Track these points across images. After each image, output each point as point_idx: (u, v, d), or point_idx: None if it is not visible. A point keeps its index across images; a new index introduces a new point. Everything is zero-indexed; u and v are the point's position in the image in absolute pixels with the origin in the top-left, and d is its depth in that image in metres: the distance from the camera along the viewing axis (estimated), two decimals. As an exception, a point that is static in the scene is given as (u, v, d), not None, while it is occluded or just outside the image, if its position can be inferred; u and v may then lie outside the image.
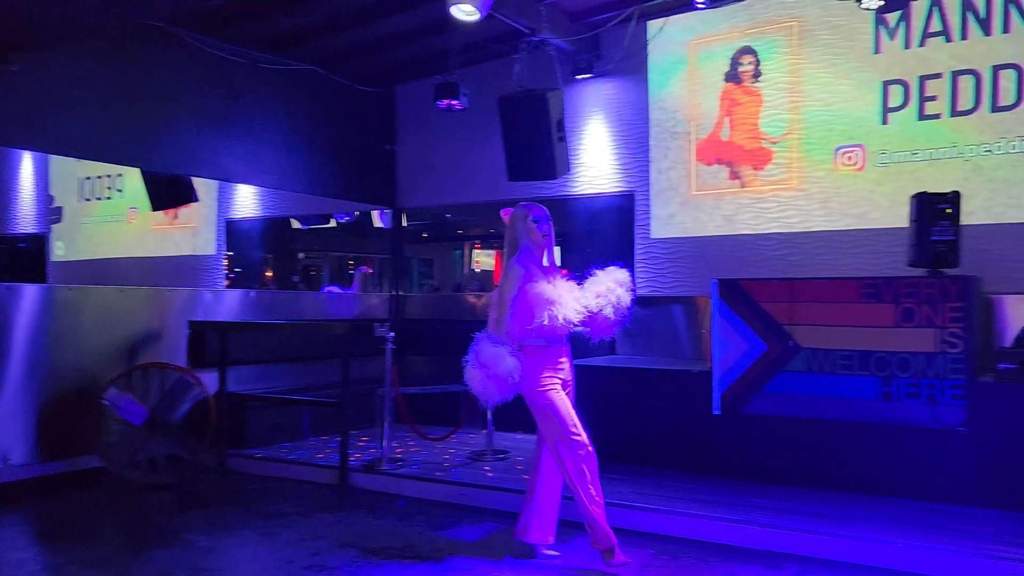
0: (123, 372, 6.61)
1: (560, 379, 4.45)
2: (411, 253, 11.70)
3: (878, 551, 4.44)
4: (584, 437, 4.33)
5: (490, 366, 4.22)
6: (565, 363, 4.52)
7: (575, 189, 8.26)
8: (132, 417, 6.34)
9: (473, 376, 4.29)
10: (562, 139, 7.34)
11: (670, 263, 7.75)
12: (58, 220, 12.39)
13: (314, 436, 7.62)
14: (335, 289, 11.57)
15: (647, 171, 7.87)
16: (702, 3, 6.95)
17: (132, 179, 10.81)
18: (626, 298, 4.47)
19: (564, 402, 4.40)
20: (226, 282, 10.55)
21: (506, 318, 4.36)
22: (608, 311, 4.40)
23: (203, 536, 5.05)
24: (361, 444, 7.20)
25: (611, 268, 4.57)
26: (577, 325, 4.38)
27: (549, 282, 4.37)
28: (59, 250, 12.40)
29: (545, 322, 4.26)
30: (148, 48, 6.96)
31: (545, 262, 4.55)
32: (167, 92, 7.13)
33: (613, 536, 4.28)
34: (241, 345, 7.33)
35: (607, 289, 4.45)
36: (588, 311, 4.40)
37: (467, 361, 4.33)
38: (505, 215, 4.65)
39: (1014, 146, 6.25)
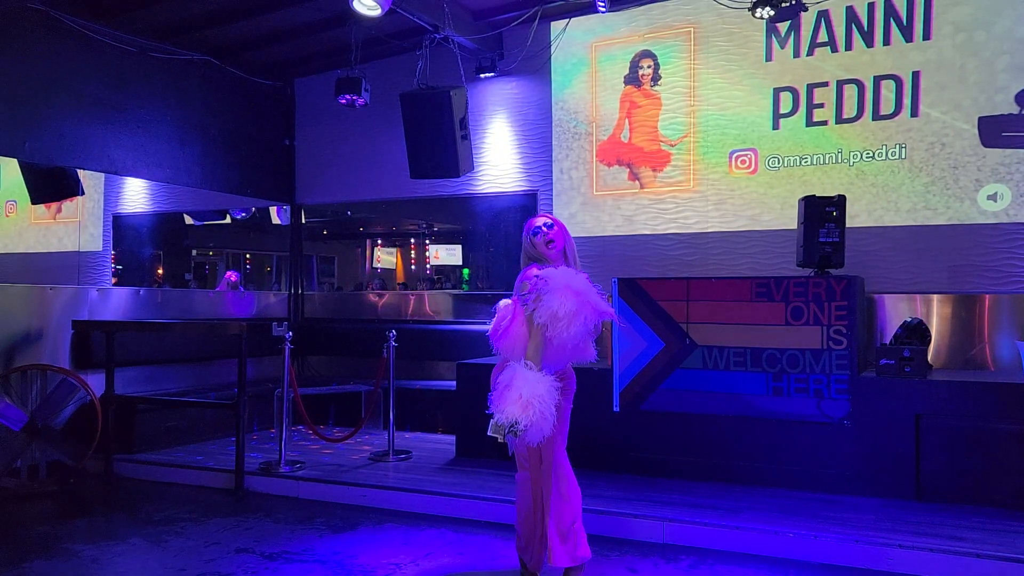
0: (0, 375, 6.27)
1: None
2: (311, 251, 11.45)
3: (768, 541, 4.62)
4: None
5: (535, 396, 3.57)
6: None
7: (479, 188, 8.26)
8: (10, 422, 6.04)
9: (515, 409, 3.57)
10: (465, 137, 7.33)
11: (571, 262, 7.82)
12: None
13: (209, 439, 7.38)
14: (233, 276, 11.30)
15: (550, 171, 7.95)
16: (603, 5, 7.07)
17: (10, 170, 10.25)
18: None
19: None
20: (113, 279, 10.12)
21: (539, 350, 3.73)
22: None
23: (88, 546, 4.82)
24: (260, 446, 7.03)
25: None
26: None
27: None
28: (-72, 245, 11.61)
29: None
30: (26, 32, 6.58)
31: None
32: (48, 79, 6.76)
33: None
34: (130, 345, 7.06)
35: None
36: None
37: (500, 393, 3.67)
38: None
39: (893, 153, 6.60)
